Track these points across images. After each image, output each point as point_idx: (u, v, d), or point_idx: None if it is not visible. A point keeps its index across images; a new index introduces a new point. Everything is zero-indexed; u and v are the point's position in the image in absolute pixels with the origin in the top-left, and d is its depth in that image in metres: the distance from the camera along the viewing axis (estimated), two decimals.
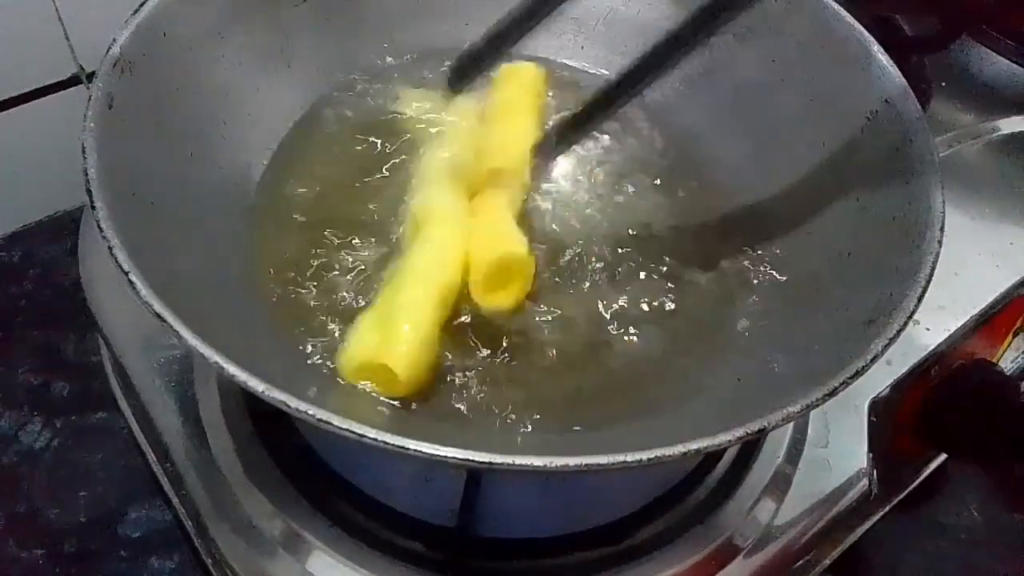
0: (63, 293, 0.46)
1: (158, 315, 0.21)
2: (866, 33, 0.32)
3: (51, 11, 0.44)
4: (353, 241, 0.33)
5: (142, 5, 0.30)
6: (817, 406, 0.22)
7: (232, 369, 0.20)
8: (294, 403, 0.20)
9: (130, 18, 0.29)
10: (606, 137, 0.38)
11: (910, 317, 0.24)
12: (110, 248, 0.22)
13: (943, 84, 0.51)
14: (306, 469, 0.33)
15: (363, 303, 0.31)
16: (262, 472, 0.33)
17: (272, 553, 0.31)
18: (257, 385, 0.20)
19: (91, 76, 0.47)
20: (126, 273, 0.22)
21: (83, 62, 0.46)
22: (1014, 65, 0.52)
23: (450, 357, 0.30)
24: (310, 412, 0.20)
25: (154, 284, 0.22)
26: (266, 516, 0.32)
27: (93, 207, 0.23)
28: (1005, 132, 0.48)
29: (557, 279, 0.33)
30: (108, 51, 0.28)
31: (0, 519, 0.38)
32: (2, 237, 0.49)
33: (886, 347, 0.23)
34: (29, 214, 0.49)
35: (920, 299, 0.24)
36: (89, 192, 0.23)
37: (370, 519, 0.32)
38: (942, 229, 0.26)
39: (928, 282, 0.25)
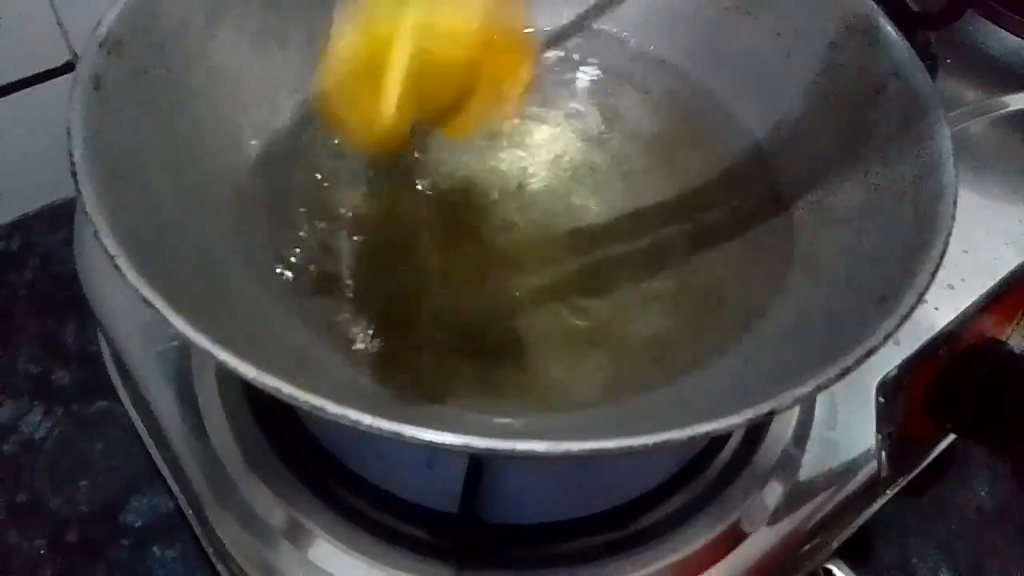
0: (63, 282, 0.46)
1: (147, 301, 0.21)
2: (873, 4, 0.32)
3: None
4: (351, 225, 0.32)
5: None
6: (828, 387, 0.21)
7: (223, 355, 0.20)
8: (287, 389, 0.19)
9: None
10: (606, 114, 0.37)
11: (923, 294, 0.23)
12: (96, 233, 0.22)
13: (949, 60, 0.50)
14: (306, 457, 0.33)
15: (362, 289, 0.30)
16: (262, 460, 0.32)
17: (274, 542, 0.31)
18: (248, 370, 0.20)
19: None
20: (113, 258, 0.21)
21: (77, 49, 0.46)
22: (1021, 41, 0.51)
23: (449, 340, 0.29)
24: (304, 398, 0.19)
25: (144, 269, 0.22)
26: (267, 504, 0.31)
27: (79, 191, 0.23)
28: (1013, 108, 0.48)
29: (556, 256, 0.32)
30: (95, 30, 0.27)
31: (1, 509, 0.38)
32: (1, 226, 0.48)
33: (899, 325, 0.23)
34: (28, 203, 0.49)
35: (933, 275, 0.24)
36: (75, 175, 0.23)
37: (372, 506, 0.32)
38: (955, 203, 0.25)
39: (941, 258, 0.24)
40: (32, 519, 0.38)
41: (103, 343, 0.40)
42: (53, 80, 0.46)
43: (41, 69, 0.46)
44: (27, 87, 0.46)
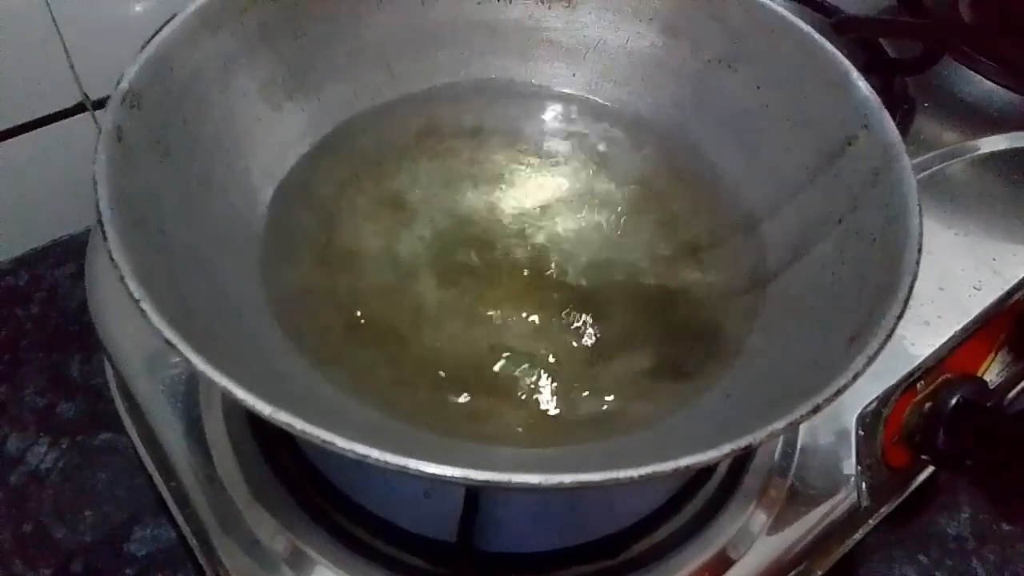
0: (69, 316, 0.47)
1: (168, 342, 0.22)
2: (845, 60, 0.33)
3: (56, 41, 0.45)
4: (362, 268, 0.34)
5: (150, 40, 0.31)
6: (801, 422, 0.23)
7: (240, 393, 0.21)
8: (300, 425, 0.21)
9: (138, 53, 0.30)
10: (596, 161, 0.39)
11: (890, 336, 0.25)
12: (122, 277, 0.23)
13: (926, 104, 0.52)
14: (310, 486, 0.34)
15: (366, 326, 0.32)
16: (266, 490, 0.34)
17: (276, 570, 0.32)
18: (264, 408, 0.21)
19: (96, 104, 0.48)
20: (137, 301, 0.23)
21: (88, 91, 0.47)
22: (995, 85, 0.53)
23: (448, 377, 0.31)
24: (315, 433, 0.21)
25: (165, 311, 0.23)
26: (270, 533, 0.33)
27: (105, 238, 0.24)
28: (986, 151, 0.50)
29: (547, 297, 0.34)
30: (117, 85, 0.29)
31: (7, 539, 0.39)
32: (9, 261, 0.50)
33: (867, 364, 0.24)
34: (35, 239, 0.51)
35: (899, 318, 0.25)
36: (100, 223, 0.24)
37: (373, 535, 0.33)
38: (919, 250, 0.27)
39: (907, 302, 0.26)
40: (38, 549, 0.39)
41: (110, 376, 0.41)
42: (64, 121, 0.48)
43: (53, 110, 0.47)
44: (39, 127, 0.47)
